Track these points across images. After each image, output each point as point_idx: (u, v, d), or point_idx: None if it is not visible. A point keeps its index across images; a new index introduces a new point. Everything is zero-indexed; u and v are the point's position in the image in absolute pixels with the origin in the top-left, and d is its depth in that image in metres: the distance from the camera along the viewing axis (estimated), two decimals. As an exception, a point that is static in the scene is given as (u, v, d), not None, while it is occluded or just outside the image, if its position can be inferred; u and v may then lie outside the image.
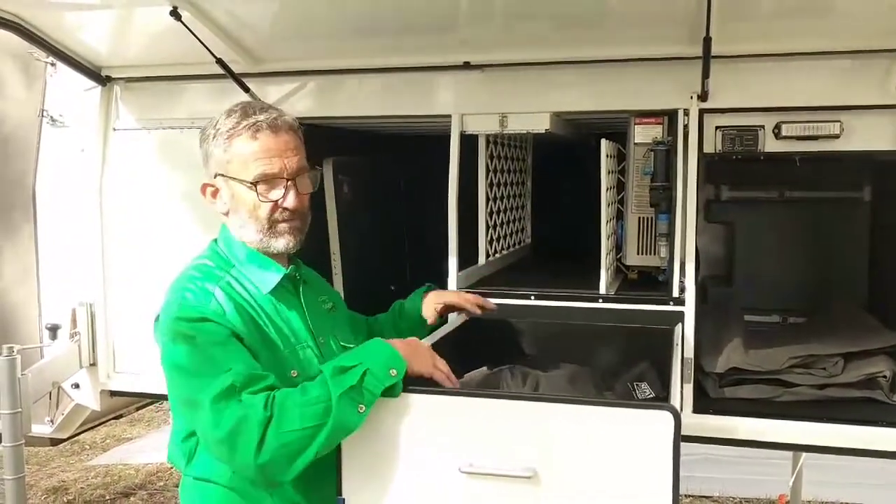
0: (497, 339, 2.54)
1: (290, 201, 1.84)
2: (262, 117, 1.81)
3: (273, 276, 1.87)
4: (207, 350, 1.65)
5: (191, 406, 1.68)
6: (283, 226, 1.86)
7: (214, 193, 1.90)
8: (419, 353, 1.76)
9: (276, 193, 1.83)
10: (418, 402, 1.68)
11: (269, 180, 1.83)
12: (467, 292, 2.50)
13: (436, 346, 2.04)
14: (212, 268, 1.84)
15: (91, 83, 3.17)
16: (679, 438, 1.55)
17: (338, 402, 1.58)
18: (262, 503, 1.76)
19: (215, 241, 1.95)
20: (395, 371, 1.65)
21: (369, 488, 1.71)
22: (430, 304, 2.36)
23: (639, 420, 1.58)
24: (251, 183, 1.82)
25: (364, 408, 1.60)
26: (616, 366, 2.42)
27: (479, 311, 2.41)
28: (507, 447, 1.63)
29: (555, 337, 2.55)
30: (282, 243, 1.87)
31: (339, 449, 1.69)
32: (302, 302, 1.93)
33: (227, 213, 1.90)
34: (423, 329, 2.31)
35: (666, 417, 1.55)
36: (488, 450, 1.64)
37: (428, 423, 1.68)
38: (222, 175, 1.85)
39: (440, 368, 1.79)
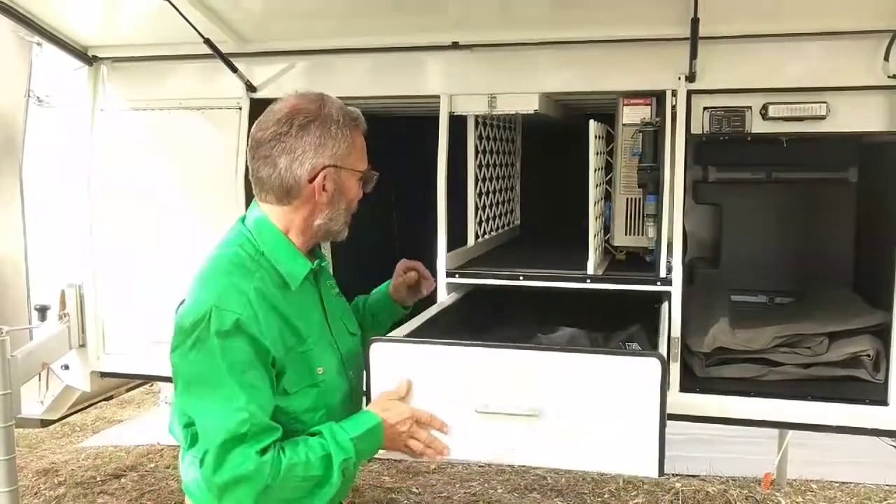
0: (498, 307, 2.61)
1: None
2: (357, 112, 1.84)
3: (301, 269, 1.83)
4: (228, 376, 1.61)
5: (195, 424, 1.65)
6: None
7: (325, 185, 1.79)
8: (394, 437, 1.83)
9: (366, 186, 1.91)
10: (439, 353, 1.88)
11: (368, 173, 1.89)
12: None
13: (438, 318, 2.39)
14: (244, 258, 1.76)
15: (78, 63, 3.15)
16: (666, 382, 1.78)
17: (335, 483, 1.69)
18: None
19: (243, 220, 1.86)
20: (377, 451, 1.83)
21: None
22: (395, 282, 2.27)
23: (631, 366, 1.79)
24: (363, 174, 1.86)
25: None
26: (609, 329, 2.48)
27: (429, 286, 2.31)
28: (517, 391, 1.83)
29: (552, 304, 2.60)
30: (346, 232, 1.91)
31: (368, 394, 1.90)
32: (321, 294, 1.92)
33: (310, 204, 1.81)
34: (393, 309, 2.26)
35: (654, 363, 1.77)
36: (500, 393, 1.83)
37: (447, 371, 1.86)
38: (336, 166, 1.79)
39: (418, 439, 1.85)
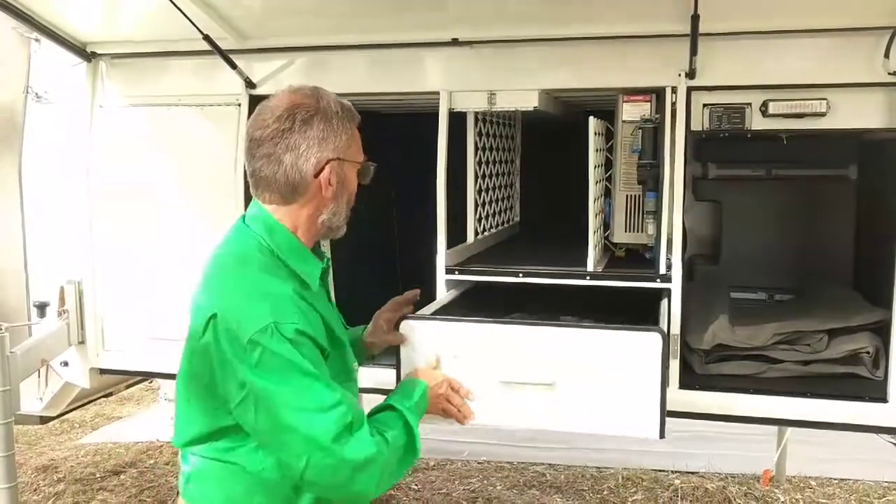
0: (503, 299, 2.65)
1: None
2: (349, 103, 1.81)
3: (315, 269, 1.81)
4: (310, 377, 1.61)
5: (287, 432, 1.62)
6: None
7: (331, 179, 1.77)
8: (434, 400, 1.97)
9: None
10: (465, 329, 2.10)
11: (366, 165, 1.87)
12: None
13: (446, 309, 2.54)
14: (269, 263, 1.73)
15: (76, 59, 3.14)
16: (667, 354, 2.01)
17: (419, 448, 1.79)
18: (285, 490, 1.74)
19: (244, 224, 1.80)
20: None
21: None
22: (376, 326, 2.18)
23: (636, 339, 2.01)
24: (361, 166, 1.84)
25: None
26: (608, 319, 2.46)
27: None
28: (535, 363, 2.04)
29: (550, 301, 2.63)
30: (345, 229, 1.87)
31: (398, 368, 2.08)
32: (329, 291, 1.94)
33: (315, 200, 1.78)
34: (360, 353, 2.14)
35: (656, 337, 1.99)
36: (520, 365, 2.05)
37: (474, 345, 2.06)
38: (339, 159, 1.76)
39: (452, 403, 2.01)
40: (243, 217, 1.82)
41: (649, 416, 2.02)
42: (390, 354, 2.12)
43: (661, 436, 2.03)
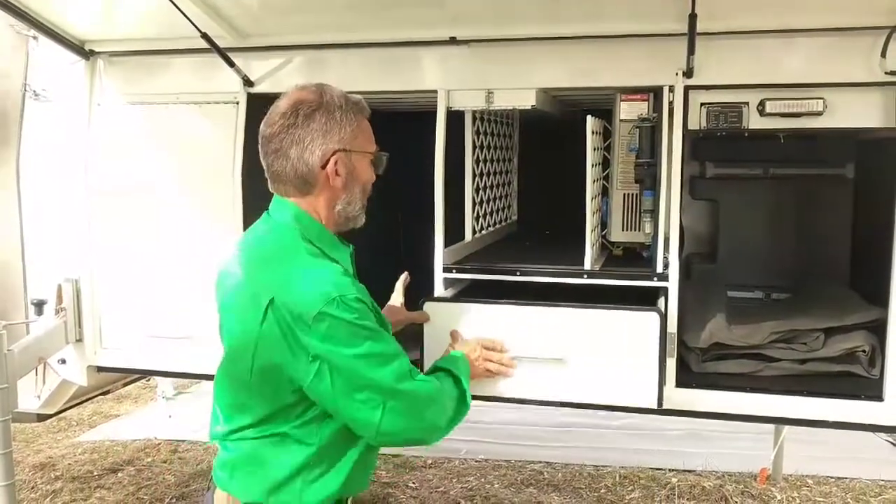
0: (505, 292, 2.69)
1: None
2: (359, 97, 1.89)
3: (343, 255, 1.91)
4: (373, 334, 1.75)
5: (363, 388, 1.74)
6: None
7: (338, 170, 1.84)
8: (474, 365, 2.22)
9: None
10: (483, 310, 2.39)
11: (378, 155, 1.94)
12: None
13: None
14: (313, 250, 1.81)
15: (74, 57, 3.14)
16: (665, 332, 2.33)
17: (469, 403, 2.02)
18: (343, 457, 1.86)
19: (272, 219, 1.88)
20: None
21: None
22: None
23: (636, 318, 2.32)
24: (373, 156, 1.91)
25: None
26: None
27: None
28: (544, 339, 2.34)
29: (550, 295, 2.63)
30: (363, 218, 1.95)
31: (423, 340, 2.38)
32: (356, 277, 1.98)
33: (327, 190, 1.85)
34: None
35: (654, 316, 2.31)
36: (532, 341, 2.34)
37: (490, 323, 2.35)
38: (345, 150, 1.83)
39: (492, 360, 2.28)
40: (268, 213, 1.90)
41: (648, 387, 2.31)
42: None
43: (659, 406, 2.33)
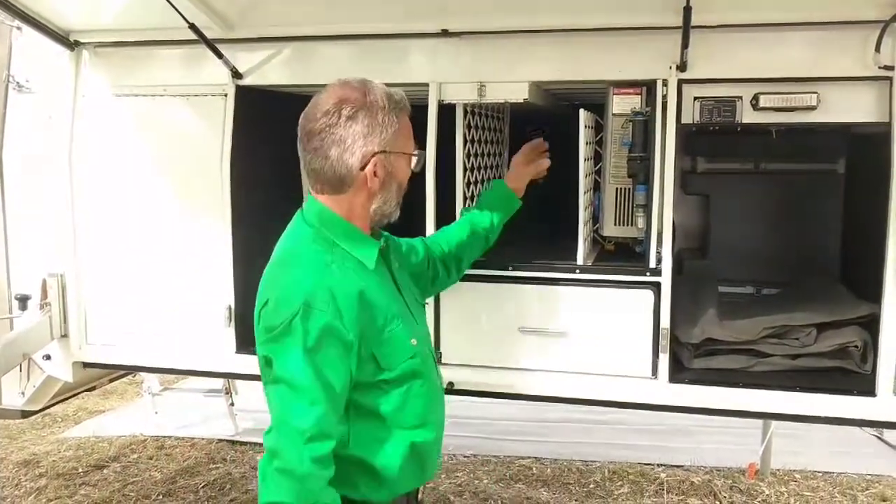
0: None
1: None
2: (401, 94, 1.88)
3: (373, 250, 1.89)
4: (312, 375, 1.69)
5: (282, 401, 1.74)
6: None
7: (376, 171, 1.83)
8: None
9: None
10: (490, 288, 2.66)
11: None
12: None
13: None
14: (322, 253, 1.81)
15: (59, 48, 3.08)
16: (659, 307, 2.53)
17: None
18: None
19: (301, 215, 1.90)
20: None
21: (461, 340, 2.72)
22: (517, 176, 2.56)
23: (633, 294, 2.55)
24: (410, 156, 1.91)
25: None
26: None
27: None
28: (549, 314, 2.61)
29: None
30: (398, 212, 1.95)
31: (437, 318, 2.67)
32: (391, 270, 1.98)
33: (364, 191, 1.86)
34: (512, 204, 2.51)
35: (649, 293, 2.54)
36: (537, 316, 2.62)
37: (496, 299, 2.65)
38: (384, 152, 1.82)
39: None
40: (301, 211, 1.91)
41: (644, 358, 2.53)
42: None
43: (654, 375, 2.54)
